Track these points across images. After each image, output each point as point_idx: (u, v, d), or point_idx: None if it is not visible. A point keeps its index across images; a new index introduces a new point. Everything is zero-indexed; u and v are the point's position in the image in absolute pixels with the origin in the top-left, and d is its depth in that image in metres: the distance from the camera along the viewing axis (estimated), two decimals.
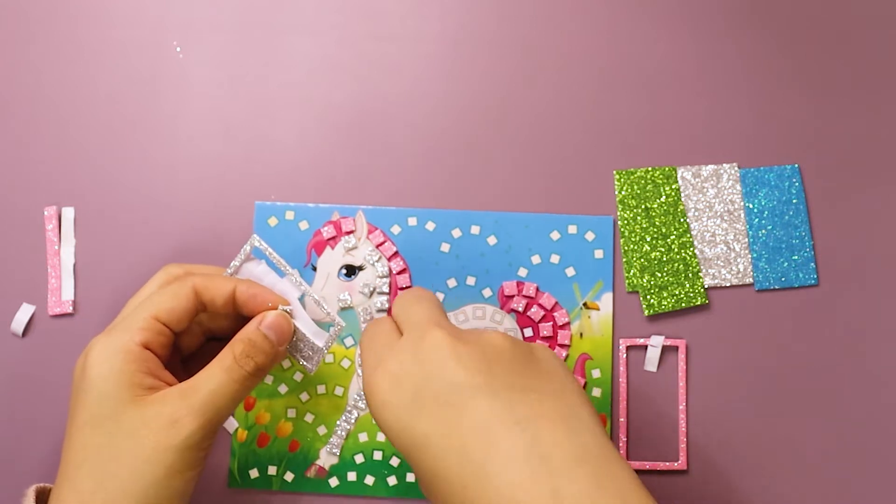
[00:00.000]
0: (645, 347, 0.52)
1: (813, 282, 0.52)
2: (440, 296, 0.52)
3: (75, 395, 0.42)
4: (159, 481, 0.40)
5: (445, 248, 0.52)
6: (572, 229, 0.52)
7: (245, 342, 0.43)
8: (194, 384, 0.41)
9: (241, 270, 0.46)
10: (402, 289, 0.52)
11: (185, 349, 0.46)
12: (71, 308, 0.52)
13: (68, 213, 0.53)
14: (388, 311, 0.52)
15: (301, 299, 0.46)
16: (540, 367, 0.39)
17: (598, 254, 0.52)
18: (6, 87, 0.55)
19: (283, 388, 0.51)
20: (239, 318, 0.45)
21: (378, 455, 0.50)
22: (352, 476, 0.50)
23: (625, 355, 0.51)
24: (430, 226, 0.53)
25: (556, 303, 0.52)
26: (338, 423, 0.51)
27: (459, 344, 0.38)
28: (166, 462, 0.40)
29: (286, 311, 0.45)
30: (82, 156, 0.54)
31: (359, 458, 0.50)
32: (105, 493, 0.39)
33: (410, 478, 0.50)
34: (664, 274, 0.52)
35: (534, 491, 0.34)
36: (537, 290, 0.52)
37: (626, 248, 0.52)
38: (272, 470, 0.51)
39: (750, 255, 0.52)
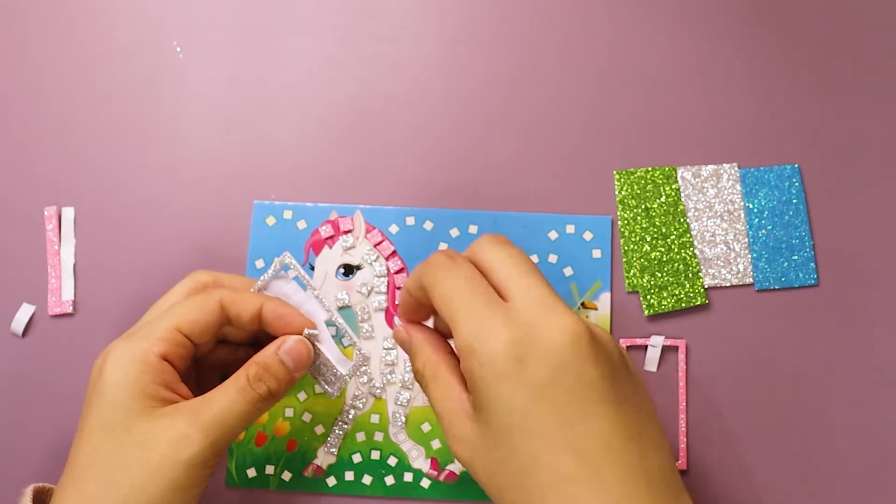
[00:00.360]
0: (645, 347, 0.51)
1: (813, 282, 0.52)
2: None
3: (89, 397, 0.41)
4: (163, 494, 0.40)
5: (443, 247, 0.52)
6: (570, 229, 0.52)
7: (260, 366, 0.43)
8: (207, 401, 0.41)
9: (269, 286, 0.46)
10: (399, 288, 0.52)
11: (198, 353, 0.46)
12: (71, 308, 0.53)
13: (68, 213, 0.54)
14: (392, 295, 0.52)
15: (329, 325, 0.46)
16: (636, 383, 0.38)
17: (596, 254, 0.52)
18: (6, 87, 0.55)
19: None
20: (257, 328, 0.45)
21: (376, 454, 0.50)
22: (349, 475, 0.50)
23: None
24: (428, 225, 0.53)
25: None
26: (335, 422, 0.51)
27: (595, 343, 0.36)
28: (172, 476, 0.40)
29: (312, 333, 0.44)
30: (82, 156, 0.54)
31: (356, 458, 0.50)
32: (108, 500, 0.39)
33: (408, 477, 0.50)
34: (664, 274, 0.52)
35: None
36: None
37: (626, 248, 0.52)
38: (270, 469, 0.51)
39: (750, 255, 0.52)
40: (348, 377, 0.45)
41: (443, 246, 0.52)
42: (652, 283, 0.52)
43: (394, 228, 0.53)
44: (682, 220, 0.53)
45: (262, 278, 0.45)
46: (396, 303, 0.52)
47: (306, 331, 0.44)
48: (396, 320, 0.52)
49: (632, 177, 0.53)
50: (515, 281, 0.37)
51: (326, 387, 0.46)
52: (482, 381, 0.36)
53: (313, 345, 0.45)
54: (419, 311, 0.42)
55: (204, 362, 0.47)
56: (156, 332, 0.42)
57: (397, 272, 0.52)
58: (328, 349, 0.45)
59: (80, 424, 0.41)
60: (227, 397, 0.41)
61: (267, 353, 0.43)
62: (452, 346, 0.40)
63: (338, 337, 0.49)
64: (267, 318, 0.44)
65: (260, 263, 0.52)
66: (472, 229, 0.52)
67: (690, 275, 0.52)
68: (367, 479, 0.50)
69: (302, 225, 0.53)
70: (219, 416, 0.41)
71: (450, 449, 0.38)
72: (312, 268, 0.52)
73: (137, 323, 0.45)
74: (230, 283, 0.46)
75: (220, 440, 0.41)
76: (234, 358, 0.47)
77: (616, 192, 0.53)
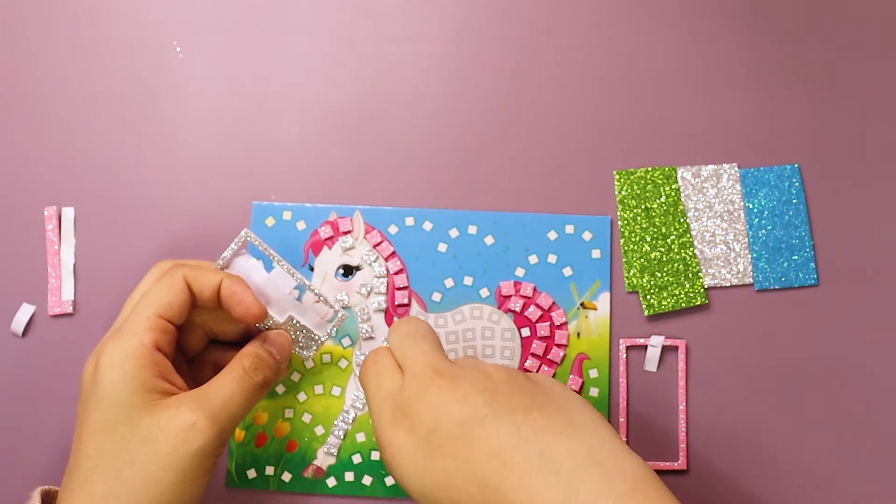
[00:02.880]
0: (645, 347, 0.51)
1: (813, 282, 0.52)
2: (437, 296, 0.52)
3: (85, 400, 0.41)
4: (174, 487, 0.40)
5: (443, 247, 0.52)
6: (569, 229, 0.52)
7: (253, 356, 0.44)
8: (208, 391, 0.42)
9: (231, 265, 0.47)
10: (399, 289, 0.52)
11: (189, 351, 0.47)
12: (71, 308, 0.53)
13: (68, 213, 0.54)
14: (390, 313, 0.52)
15: (301, 290, 0.48)
16: (539, 387, 0.40)
17: (596, 253, 0.52)
18: (6, 88, 0.55)
19: (280, 389, 0.51)
20: (240, 322, 0.46)
21: (375, 455, 0.50)
22: (349, 476, 0.50)
23: (625, 355, 0.51)
24: (428, 226, 0.53)
25: (554, 303, 0.52)
26: (335, 423, 0.51)
27: (458, 386, 0.39)
28: (182, 468, 0.40)
29: (265, 325, 0.46)
30: (82, 156, 0.54)
31: (356, 459, 0.50)
32: (118, 499, 0.39)
33: None
34: (664, 274, 0.52)
35: (549, 498, 0.36)
36: (535, 289, 0.52)
37: (626, 248, 0.52)
38: (270, 470, 0.51)
39: (750, 255, 0.52)
40: (325, 339, 0.48)
41: (442, 247, 0.52)
42: (652, 283, 0.52)
43: (393, 229, 0.53)
44: (681, 220, 0.52)
45: (222, 256, 0.46)
46: (396, 303, 0.52)
47: (264, 323, 0.46)
48: (396, 321, 0.51)
49: (632, 177, 0.53)
50: (400, 358, 0.42)
51: (301, 351, 0.48)
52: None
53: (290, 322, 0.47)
54: None
55: (196, 361, 0.47)
56: (139, 323, 0.42)
57: (397, 273, 0.52)
58: (303, 317, 0.47)
59: (77, 429, 0.41)
60: (227, 387, 0.42)
61: (256, 345, 0.45)
62: None
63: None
64: (224, 293, 0.44)
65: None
66: (472, 229, 0.52)
67: (690, 275, 0.52)
68: (367, 480, 0.50)
69: (301, 226, 0.53)
70: (224, 405, 0.42)
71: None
72: (312, 268, 0.52)
73: (116, 321, 0.45)
74: (191, 264, 0.46)
75: (225, 428, 0.42)
76: (226, 357, 0.47)
77: (616, 192, 0.53)
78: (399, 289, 0.52)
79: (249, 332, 0.48)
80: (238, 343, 0.47)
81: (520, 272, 0.52)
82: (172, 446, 0.40)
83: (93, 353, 0.42)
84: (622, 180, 0.53)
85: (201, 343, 0.47)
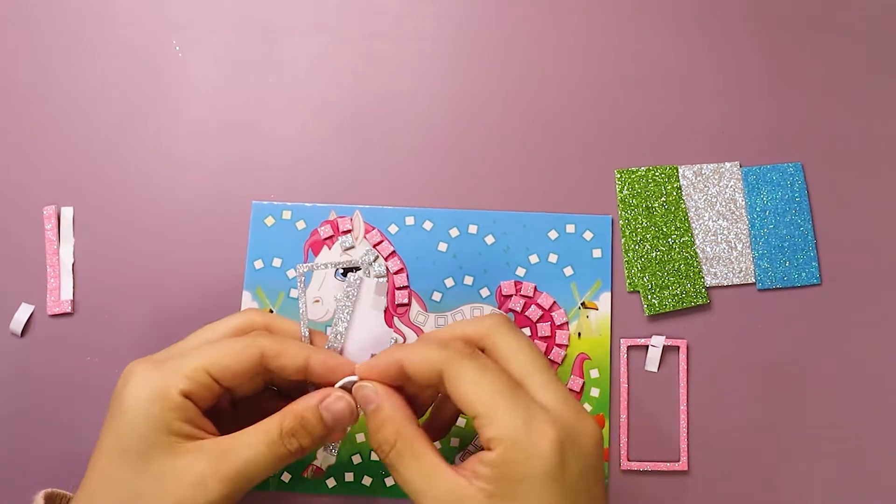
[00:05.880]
0: (646, 347, 0.51)
1: (815, 281, 0.52)
2: (437, 296, 0.52)
3: (111, 417, 0.40)
4: None
5: (443, 247, 0.52)
6: (570, 228, 0.52)
7: (297, 419, 0.40)
8: (231, 447, 0.39)
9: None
10: (399, 289, 0.52)
11: (239, 394, 0.44)
12: (70, 308, 0.52)
13: (67, 213, 0.53)
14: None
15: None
16: None
17: (597, 253, 0.52)
18: (5, 87, 0.55)
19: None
20: (303, 381, 0.43)
21: (375, 455, 0.50)
22: (349, 476, 0.50)
23: (626, 355, 0.51)
24: (428, 225, 0.52)
25: (554, 302, 0.51)
26: None
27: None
28: None
29: (350, 381, 0.41)
30: (81, 155, 0.54)
31: (356, 459, 0.50)
32: None
33: None
34: (665, 273, 0.52)
35: None
36: (535, 289, 0.52)
37: (627, 247, 0.52)
38: None
39: (752, 255, 0.52)
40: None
41: (443, 246, 0.52)
42: (653, 282, 0.52)
43: (393, 228, 0.52)
44: (683, 219, 0.52)
45: (303, 326, 0.43)
46: (396, 303, 0.51)
47: (344, 381, 0.41)
48: (396, 321, 0.51)
49: (633, 176, 0.53)
50: (535, 375, 0.39)
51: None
52: (523, 476, 0.36)
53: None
54: (395, 382, 0.41)
55: (246, 403, 0.45)
56: (183, 369, 0.39)
57: (397, 272, 0.52)
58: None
59: (99, 441, 0.40)
60: (253, 449, 0.39)
61: (308, 405, 0.41)
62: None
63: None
64: (316, 371, 0.41)
65: (259, 264, 0.52)
66: (472, 229, 0.52)
67: (692, 274, 0.52)
68: (366, 481, 0.50)
69: (301, 225, 0.53)
70: (242, 468, 0.39)
71: None
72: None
73: (173, 347, 0.42)
74: (281, 328, 0.43)
75: (237, 491, 0.39)
76: (276, 407, 0.43)
77: (617, 191, 0.53)
78: (399, 288, 0.52)
79: (306, 389, 0.43)
80: (292, 395, 0.44)
81: (520, 272, 0.52)
82: (180, 496, 0.38)
83: (128, 368, 0.40)
84: (623, 179, 0.53)
85: (257, 387, 0.44)
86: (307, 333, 0.43)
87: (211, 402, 0.41)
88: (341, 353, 0.43)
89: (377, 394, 0.40)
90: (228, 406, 0.44)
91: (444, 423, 0.45)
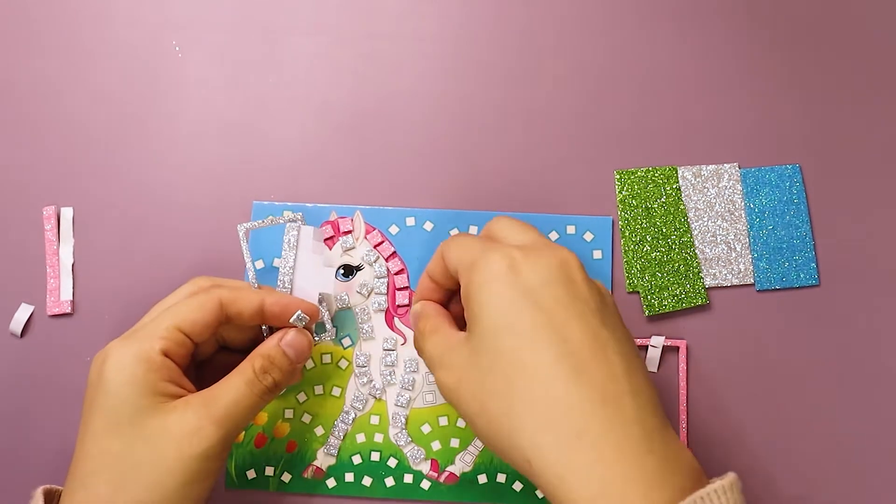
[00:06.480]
0: (645, 348, 0.51)
1: (814, 282, 0.52)
2: None
3: (91, 400, 0.41)
4: (179, 489, 0.40)
5: None
6: (571, 230, 0.52)
7: (265, 357, 0.44)
8: (215, 394, 0.42)
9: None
10: (399, 289, 0.52)
11: (199, 356, 0.46)
12: (69, 308, 0.52)
13: (67, 213, 0.53)
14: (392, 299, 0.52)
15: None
16: (624, 329, 0.41)
17: (597, 254, 0.52)
18: (5, 88, 0.55)
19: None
20: (253, 329, 0.47)
21: (375, 456, 0.50)
22: (349, 477, 0.50)
23: None
24: (429, 226, 0.52)
25: None
26: (335, 423, 0.51)
27: (586, 274, 0.40)
28: (187, 470, 0.40)
29: (301, 317, 0.46)
30: (81, 156, 0.54)
31: (356, 459, 0.50)
32: (121, 501, 0.39)
33: (408, 479, 0.50)
34: (665, 274, 0.52)
35: None
36: None
37: (626, 248, 0.52)
38: (269, 471, 0.50)
39: (751, 256, 0.52)
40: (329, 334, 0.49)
41: None
42: (652, 283, 0.52)
43: (394, 229, 0.53)
44: (682, 220, 0.52)
45: (252, 276, 0.47)
46: (397, 304, 0.52)
47: (297, 314, 0.45)
48: (397, 321, 0.51)
49: (632, 177, 0.53)
50: (518, 234, 0.42)
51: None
52: (477, 287, 0.39)
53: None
54: (434, 295, 0.45)
55: (205, 367, 0.47)
56: (156, 331, 0.42)
57: (397, 273, 0.52)
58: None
59: (82, 428, 0.41)
60: (235, 390, 0.42)
61: (270, 345, 0.44)
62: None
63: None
64: (271, 311, 0.45)
65: (259, 264, 0.52)
66: (472, 230, 0.52)
67: (691, 275, 0.52)
68: (366, 481, 0.50)
69: None
70: (230, 408, 0.41)
71: (438, 384, 0.41)
72: None
73: (136, 325, 0.44)
74: (230, 284, 0.46)
75: (231, 432, 0.42)
76: (233, 362, 0.46)
77: (616, 192, 0.53)
78: (400, 289, 0.52)
79: (256, 342, 0.47)
80: (245, 350, 0.47)
81: None
82: (177, 449, 0.40)
83: (100, 353, 0.42)
84: (623, 180, 0.53)
85: (212, 350, 0.47)
86: (257, 286, 0.47)
87: (187, 359, 0.43)
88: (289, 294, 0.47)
89: (420, 305, 0.45)
90: (193, 369, 0.46)
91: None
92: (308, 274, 0.48)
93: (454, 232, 0.52)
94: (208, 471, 0.41)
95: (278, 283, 0.48)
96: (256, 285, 0.47)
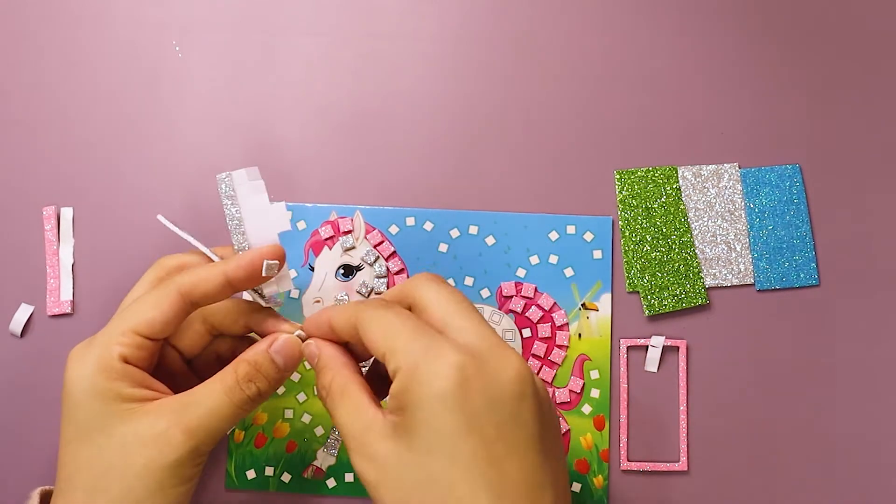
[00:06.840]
0: (645, 348, 0.51)
1: (814, 282, 0.52)
2: None
3: (62, 407, 0.40)
4: (151, 495, 0.39)
5: (443, 248, 0.52)
6: (571, 230, 0.52)
7: (250, 364, 0.41)
8: (191, 401, 0.40)
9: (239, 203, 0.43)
10: None
11: (188, 351, 0.44)
12: (69, 308, 0.52)
13: (67, 213, 0.53)
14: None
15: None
16: (557, 433, 0.39)
17: (597, 254, 0.52)
18: (5, 87, 0.55)
19: (280, 389, 0.51)
20: (242, 313, 0.44)
21: None
22: (349, 477, 0.50)
23: (625, 356, 0.51)
24: (429, 226, 0.52)
25: (555, 303, 0.51)
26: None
27: (535, 389, 0.37)
28: (158, 478, 0.38)
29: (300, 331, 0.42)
30: (81, 156, 0.54)
31: None
32: None
33: None
34: (665, 274, 0.52)
35: None
36: (536, 290, 0.52)
37: (626, 248, 0.52)
38: (269, 471, 0.50)
39: (751, 255, 0.52)
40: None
41: (443, 247, 0.52)
42: (652, 283, 0.52)
43: (394, 229, 0.52)
44: (682, 220, 0.52)
45: (209, 250, 0.44)
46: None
47: (265, 265, 0.41)
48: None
49: (632, 176, 0.53)
50: (455, 319, 0.38)
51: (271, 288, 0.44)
52: (419, 400, 0.35)
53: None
54: (329, 337, 0.41)
55: (199, 358, 0.45)
56: (114, 336, 0.40)
57: (397, 273, 0.52)
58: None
59: (61, 436, 0.40)
60: (212, 398, 0.40)
61: (258, 351, 0.41)
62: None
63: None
64: (237, 278, 0.41)
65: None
66: (472, 229, 0.52)
67: (691, 275, 0.52)
68: None
69: (301, 226, 0.53)
70: (204, 419, 0.39)
71: (354, 468, 0.37)
72: (312, 268, 0.52)
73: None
74: (192, 262, 0.44)
75: (203, 442, 0.39)
76: (232, 350, 0.45)
77: (616, 192, 0.53)
78: None
79: (253, 329, 0.44)
80: (242, 336, 0.45)
81: (521, 273, 0.52)
82: (147, 458, 0.38)
83: (68, 355, 0.40)
84: (623, 180, 0.53)
85: (203, 341, 0.45)
86: (216, 257, 0.43)
87: (152, 360, 0.41)
88: (249, 249, 0.43)
89: (317, 346, 0.41)
90: (183, 366, 0.44)
91: (384, 377, 0.43)
92: (259, 219, 0.43)
93: (454, 232, 0.52)
94: (181, 477, 0.39)
95: (234, 244, 0.43)
96: (216, 258, 0.43)
